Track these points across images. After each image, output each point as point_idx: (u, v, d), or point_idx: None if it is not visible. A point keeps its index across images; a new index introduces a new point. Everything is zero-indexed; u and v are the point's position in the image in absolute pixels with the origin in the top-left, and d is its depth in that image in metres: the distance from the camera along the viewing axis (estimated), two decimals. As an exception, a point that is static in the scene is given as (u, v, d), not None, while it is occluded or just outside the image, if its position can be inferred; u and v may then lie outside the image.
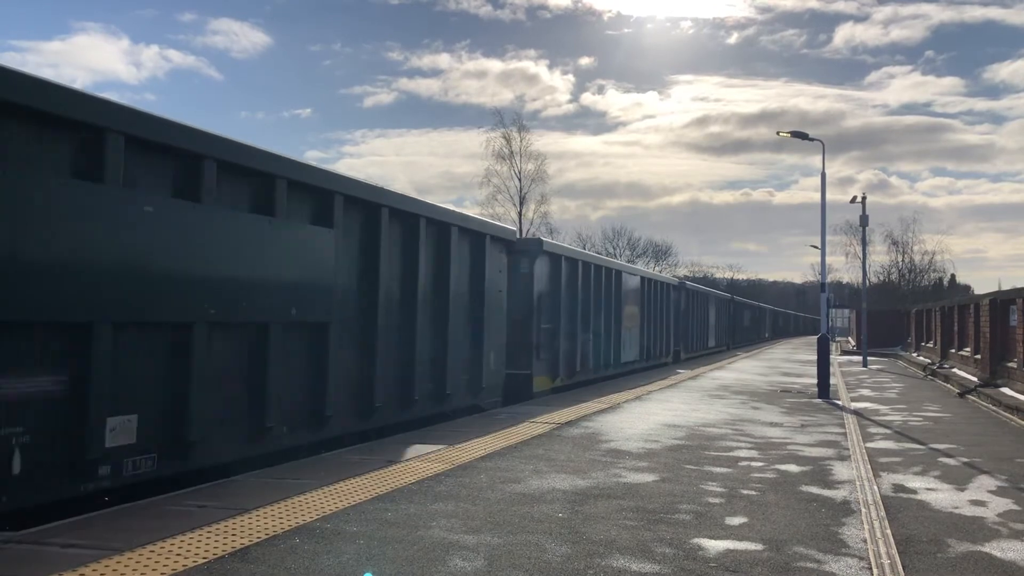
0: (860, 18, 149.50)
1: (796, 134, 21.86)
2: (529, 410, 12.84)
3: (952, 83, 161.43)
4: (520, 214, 52.78)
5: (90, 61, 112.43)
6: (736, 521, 6.21)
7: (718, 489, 7.36)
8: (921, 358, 31.61)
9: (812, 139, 22.08)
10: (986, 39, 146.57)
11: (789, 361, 31.86)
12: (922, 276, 66.83)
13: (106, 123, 6.27)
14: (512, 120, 61.57)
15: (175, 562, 4.80)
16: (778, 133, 22.44)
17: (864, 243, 36.40)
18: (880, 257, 67.32)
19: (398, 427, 10.46)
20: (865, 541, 5.74)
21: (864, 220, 32.36)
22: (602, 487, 7.30)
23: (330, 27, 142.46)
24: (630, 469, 8.18)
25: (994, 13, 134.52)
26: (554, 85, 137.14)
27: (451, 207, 12.32)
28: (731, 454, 9.31)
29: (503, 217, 50.39)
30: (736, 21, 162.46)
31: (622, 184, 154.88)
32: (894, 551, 5.53)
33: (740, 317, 51.80)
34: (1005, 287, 31.09)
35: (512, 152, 52.86)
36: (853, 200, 33.04)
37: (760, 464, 8.73)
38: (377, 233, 9.89)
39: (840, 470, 8.50)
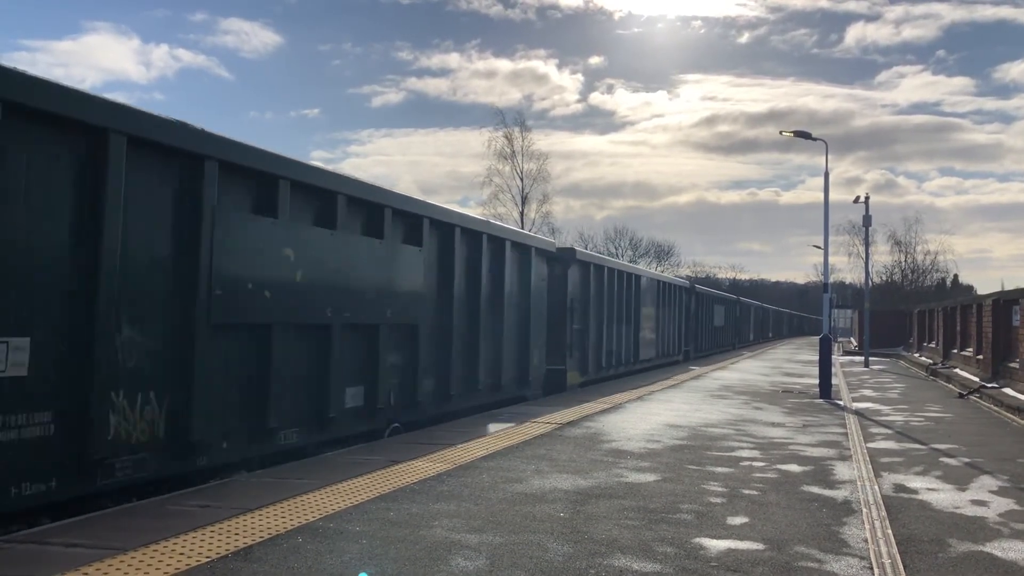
0: (872, 18, 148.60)
1: (799, 134, 21.85)
2: (531, 410, 12.86)
3: (962, 83, 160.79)
4: (522, 214, 52.83)
5: (100, 61, 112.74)
6: (737, 521, 6.21)
7: (720, 489, 7.37)
8: (923, 358, 31.58)
9: (815, 139, 22.07)
10: (997, 39, 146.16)
11: (791, 361, 31.86)
12: (925, 276, 66.82)
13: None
14: (514, 120, 61.47)
15: (178, 561, 4.82)
16: (781, 133, 22.45)
17: (867, 243, 36.39)
18: (883, 257, 67.33)
19: (466, 411, 12.15)
20: (866, 541, 5.75)
21: (867, 220, 32.30)
22: (604, 487, 7.31)
23: (340, 27, 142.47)
24: (632, 469, 8.19)
25: (1005, 12, 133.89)
26: (563, 85, 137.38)
27: (482, 216, 14.81)
28: (733, 454, 9.32)
29: (505, 217, 50.40)
30: (747, 20, 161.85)
31: (628, 184, 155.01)
32: (895, 551, 5.54)
33: (745, 317, 51.61)
34: (1008, 287, 31.04)
35: (514, 152, 52.92)
36: (856, 200, 33.01)
37: (762, 464, 8.73)
38: (452, 249, 11.61)
39: (841, 470, 8.51)
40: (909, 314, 42.53)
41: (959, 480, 8.16)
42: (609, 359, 19.98)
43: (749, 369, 26.26)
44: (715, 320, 38.08)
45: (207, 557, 4.92)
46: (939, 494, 7.48)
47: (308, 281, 8.37)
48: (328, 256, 8.75)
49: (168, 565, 4.74)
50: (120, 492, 6.50)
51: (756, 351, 43.48)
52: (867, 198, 31.98)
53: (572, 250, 17.67)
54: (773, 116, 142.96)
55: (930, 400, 16.95)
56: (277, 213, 8.04)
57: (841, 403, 15.83)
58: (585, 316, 18.00)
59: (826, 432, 11.47)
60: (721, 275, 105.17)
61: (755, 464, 8.72)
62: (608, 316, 19.78)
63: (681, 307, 29.49)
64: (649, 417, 12.51)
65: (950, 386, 20.65)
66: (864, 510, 6.69)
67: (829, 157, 21.34)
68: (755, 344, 54.51)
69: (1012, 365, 17.21)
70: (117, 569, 4.64)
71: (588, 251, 19.88)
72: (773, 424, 12.21)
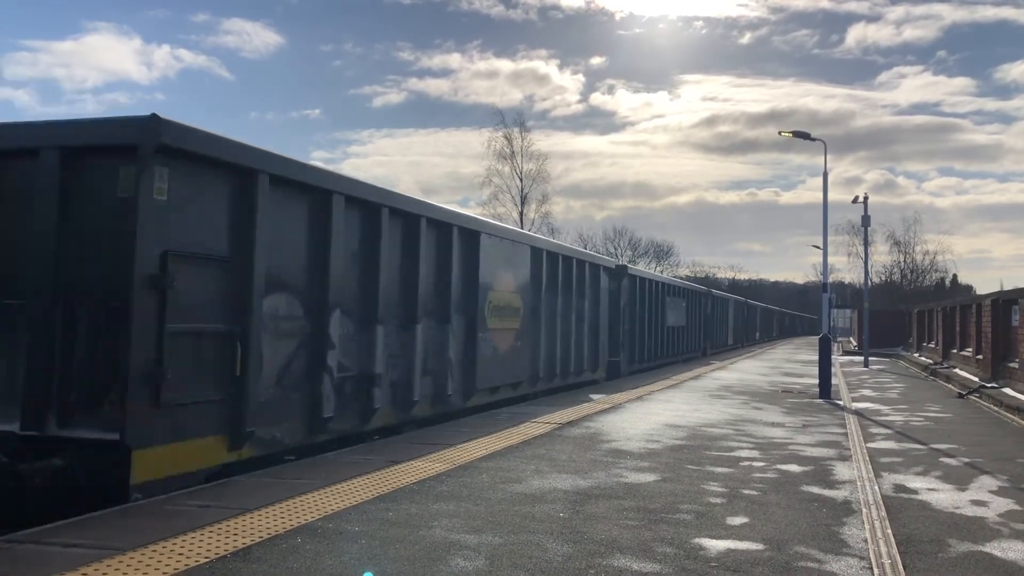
0: (872, 18, 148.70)
1: (798, 134, 21.87)
2: (530, 410, 12.85)
3: (963, 83, 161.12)
4: (521, 214, 52.84)
5: (102, 61, 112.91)
6: (737, 521, 6.21)
7: (719, 489, 7.36)
8: (923, 358, 31.60)
9: (814, 139, 22.10)
10: (998, 39, 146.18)
11: (790, 361, 31.87)
12: (924, 276, 66.78)
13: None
14: (514, 120, 61.39)
15: (177, 561, 4.81)
16: (780, 133, 22.46)
17: (866, 243, 36.38)
18: (882, 257, 67.23)
19: None
20: (866, 541, 5.75)
21: (866, 220, 32.33)
22: (603, 487, 7.30)
23: (342, 27, 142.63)
24: (631, 469, 8.19)
25: (1007, 13, 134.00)
26: (564, 85, 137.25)
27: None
28: (732, 454, 9.32)
29: (504, 217, 50.34)
30: (749, 21, 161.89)
31: (628, 184, 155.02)
32: (895, 551, 5.54)
33: (720, 316, 41.13)
34: (1008, 287, 31.07)
35: (513, 152, 52.84)
36: (855, 200, 33.04)
37: (761, 464, 8.73)
38: None
39: (841, 470, 8.51)
40: (908, 314, 42.57)
41: (959, 480, 8.16)
42: (341, 405, 9.03)
43: (747, 369, 26.26)
44: (668, 319, 27.32)
45: (206, 557, 4.91)
46: (939, 494, 7.48)
47: None
48: None
49: (167, 565, 4.74)
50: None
51: (755, 352, 43.38)
52: (866, 198, 32.02)
53: (153, 121, 6.62)
54: (774, 116, 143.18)
55: (930, 400, 16.95)
56: None
57: (841, 403, 15.82)
58: (246, 305, 7.64)
59: (826, 432, 11.47)
60: (720, 275, 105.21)
61: (755, 464, 8.72)
62: (365, 305, 9.54)
63: (598, 297, 19.27)
64: (649, 417, 12.51)
65: (950, 386, 20.66)
66: (864, 510, 6.69)
67: (829, 157, 21.39)
68: (736, 349, 44.40)
69: (1011, 365, 17.22)
70: (116, 569, 4.64)
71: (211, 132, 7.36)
72: (773, 424, 12.21)
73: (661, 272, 65.97)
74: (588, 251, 22.58)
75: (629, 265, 24.82)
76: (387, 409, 10.14)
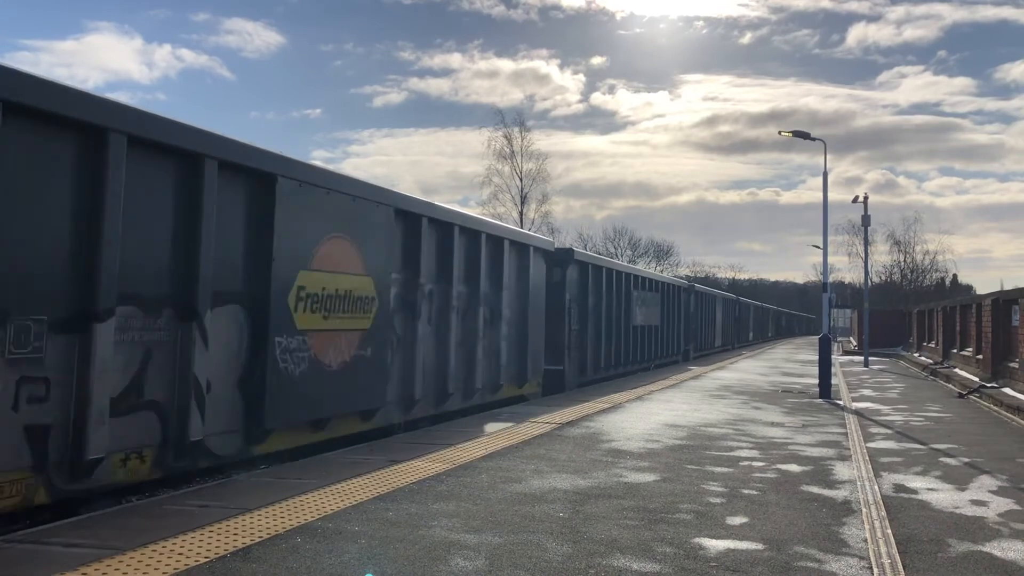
0: (873, 18, 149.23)
1: (798, 134, 21.86)
2: (530, 410, 12.85)
3: (963, 83, 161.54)
4: (521, 214, 52.80)
5: (103, 61, 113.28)
6: (737, 521, 6.21)
7: (719, 489, 7.36)
8: (923, 358, 31.60)
9: (814, 139, 22.09)
10: (998, 39, 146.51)
11: (790, 361, 31.88)
12: (924, 276, 66.79)
13: None
14: (514, 120, 61.41)
15: (177, 561, 4.81)
16: (780, 133, 22.45)
17: (866, 243, 36.37)
18: (882, 257, 67.26)
19: None
20: (866, 541, 5.75)
21: (865, 220, 32.33)
22: (603, 487, 7.30)
23: (342, 27, 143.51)
24: (631, 469, 8.19)
25: (1007, 13, 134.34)
26: (564, 85, 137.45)
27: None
28: (732, 454, 9.32)
29: (505, 216, 50.32)
30: (749, 21, 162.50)
31: (628, 184, 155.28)
32: (895, 551, 5.54)
33: (708, 314, 36.98)
34: (1008, 287, 31.07)
35: (513, 152, 52.77)
36: (855, 200, 33.03)
37: (761, 464, 8.73)
38: None
39: (841, 470, 8.51)
40: (908, 314, 42.57)
41: (959, 480, 8.16)
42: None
43: (748, 369, 26.25)
44: (636, 317, 22.94)
45: (206, 557, 4.91)
46: (939, 494, 7.48)
47: None
48: None
49: (167, 565, 4.74)
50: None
51: (735, 359, 43.29)
52: (866, 198, 32.03)
53: None
54: (774, 116, 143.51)
55: (930, 400, 16.95)
56: None
57: (841, 403, 15.82)
58: None
59: (826, 432, 11.47)
60: (721, 275, 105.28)
61: (754, 464, 8.72)
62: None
63: (528, 287, 14.81)
64: (648, 417, 12.51)
65: (950, 386, 20.66)
66: (864, 510, 6.69)
67: (830, 157, 21.40)
68: (726, 352, 40.24)
69: (1011, 365, 17.22)
70: (116, 569, 4.64)
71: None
72: (772, 424, 12.21)
73: (661, 272, 65.86)
74: (513, 227, 17.62)
75: (577, 249, 19.51)
76: (25, 482, 5.72)
